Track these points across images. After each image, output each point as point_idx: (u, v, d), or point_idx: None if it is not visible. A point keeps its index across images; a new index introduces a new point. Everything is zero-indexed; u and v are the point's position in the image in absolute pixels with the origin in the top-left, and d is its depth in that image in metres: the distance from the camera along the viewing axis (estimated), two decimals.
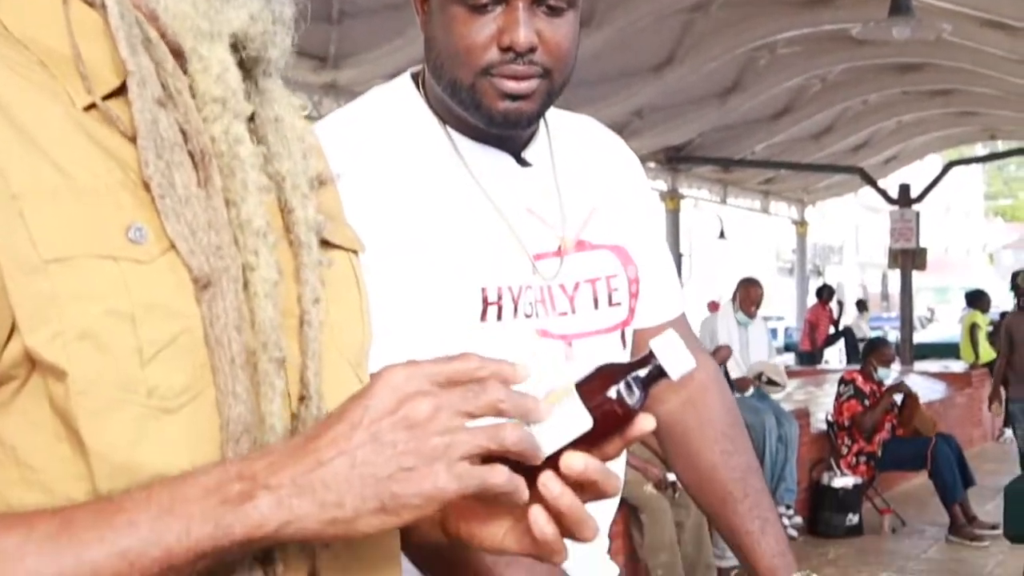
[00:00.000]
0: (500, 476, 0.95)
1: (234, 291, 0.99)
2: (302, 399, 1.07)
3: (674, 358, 1.04)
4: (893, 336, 18.39)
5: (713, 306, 12.49)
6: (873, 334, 16.97)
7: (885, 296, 35.64)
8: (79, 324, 0.92)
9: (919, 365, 14.18)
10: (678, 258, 15.54)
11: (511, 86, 1.59)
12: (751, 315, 9.45)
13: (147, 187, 0.97)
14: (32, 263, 0.91)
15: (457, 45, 1.59)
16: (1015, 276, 10.32)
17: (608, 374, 1.03)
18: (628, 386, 1.02)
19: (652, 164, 14.88)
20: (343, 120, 1.72)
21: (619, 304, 1.79)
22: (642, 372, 1.04)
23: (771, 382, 8.71)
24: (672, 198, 15.48)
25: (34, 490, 0.94)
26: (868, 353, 9.57)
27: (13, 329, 0.92)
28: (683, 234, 15.85)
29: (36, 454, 0.94)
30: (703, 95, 13.30)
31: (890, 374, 9.57)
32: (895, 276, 17.49)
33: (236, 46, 1.06)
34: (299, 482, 0.91)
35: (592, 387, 1.02)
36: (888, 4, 7.92)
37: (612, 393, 1.02)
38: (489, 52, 1.58)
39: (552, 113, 1.80)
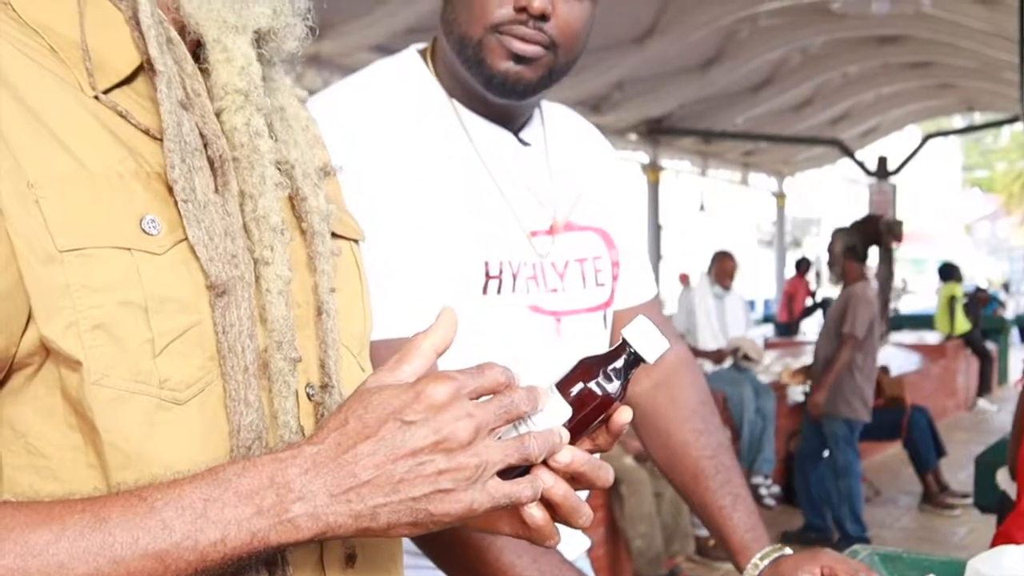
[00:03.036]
0: (528, 491, 0.97)
1: (247, 297, 1.00)
2: (324, 387, 1.09)
3: (647, 342, 1.07)
4: None
5: (684, 278, 12.55)
6: None
7: None
8: (94, 315, 0.93)
9: (895, 336, 14.27)
10: (658, 230, 15.55)
11: (518, 46, 1.63)
12: (726, 287, 9.54)
13: (161, 180, 0.98)
14: (48, 252, 0.92)
15: (473, 0, 1.64)
16: None
17: (586, 368, 1.06)
18: (607, 377, 1.05)
19: (633, 136, 14.88)
20: (351, 91, 1.74)
21: (603, 285, 1.85)
22: (618, 362, 1.06)
23: (747, 357, 8.79)
24: (652, 170, 15.48)
25: (44, 477, 0.95)
26: None
27: (29, 317, 0.93)
28: (663, 206, 15.85)
29: (46, 441, 0.95)
30: (684, 67, 13.28)
31: None
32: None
33: (258, 40, 1.07)
34: (335, 494, 0.91)
35: (572, 382, 1.05)
36: None
37: (593, 385, 1.04)
38: (503, 9, 1.62)
39: (543, 101, 1.87)
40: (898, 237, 14.95)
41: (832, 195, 34.73)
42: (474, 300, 1.67)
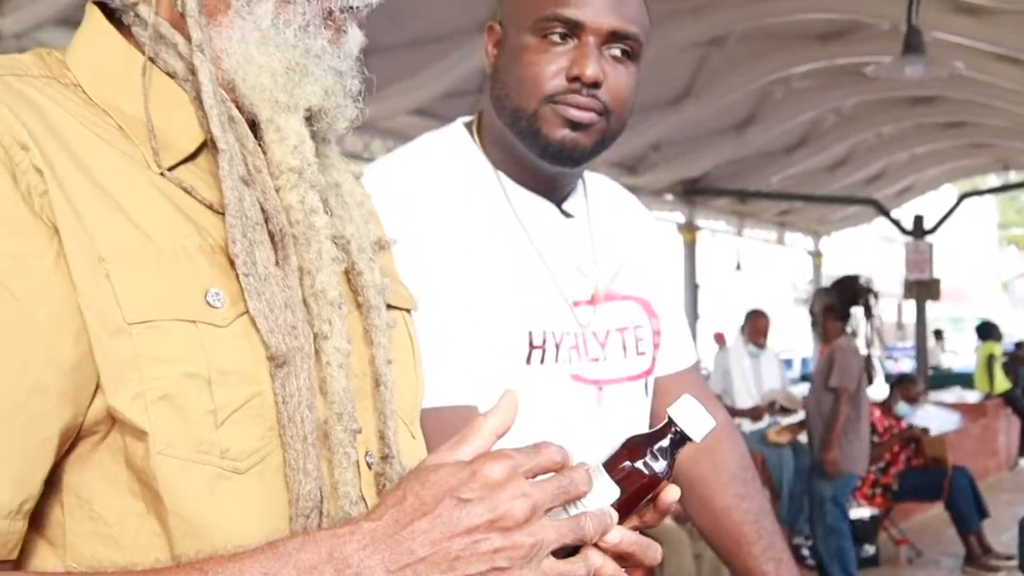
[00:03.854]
0: (582, 570, 0.98)
1: (307, 368, 1.03)
2: (385, 457, 1.12)
3: (693, 421, 1.08)
4: (907, 365, 18.36)
5: (719, 338, 12.54)
6: (888, 364, 16.96)
7: (900, 326, 35.44)
8: (159, 386, 0.96)
9: (934, 395, 14.16)
10: (694, 289, 15.55)
11: (573, 113, 1.69)
12: (760, 346, 9.55)
13: (224, 253, 1.02)
14: (117, 325, 0.96)
15: (527, 73, 1.70)
16: None
17: (632, 447, 1.07)
18: (654, 456, 1.07)
19: (669, 196, 14.93)
20: (402, 164, 1.80)
21: (644, 353, 1.89)
22: (664, 441, 1.08)
23: (784, 409, 8.75)
24: (689, 230, 15.51)
25: (106, 545, 0.98)
26: (894, 387, 9.61)
27: (97, 387, 0.96)
28: (699, 266, 15.84)
29: (110, 509, 0.98)
30: (719, 128, 13.35)
31: (912, 410, 9.59)
32: (910, 306, 17.46)
33: (310, 118, 1.11)
34: (392, 570, 0.91)
35: (619, 462, 1.06)
36: (901, 40, 8.00)
37: (640, 465, 1.05)
38: (556, 80, 1.69)
39: (586, 172, 1.92)
40: (936, 296, 14.89)
41: (869, 254, 34.56)
42: (518, 369, 1.71)
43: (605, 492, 1.03)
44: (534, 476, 0.97)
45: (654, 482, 1.06)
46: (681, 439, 1.09)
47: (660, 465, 1.06)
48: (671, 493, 1.10)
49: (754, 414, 8.94)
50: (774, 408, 8.81)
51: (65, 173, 0.98)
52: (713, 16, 10.42)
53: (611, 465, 1.06)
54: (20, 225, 0.95)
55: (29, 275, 0.94)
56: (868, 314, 7.85)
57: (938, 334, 22.45)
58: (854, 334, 7.70)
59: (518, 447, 0.98)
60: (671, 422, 1.09)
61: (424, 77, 9.30)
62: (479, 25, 8.79)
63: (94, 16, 1.12)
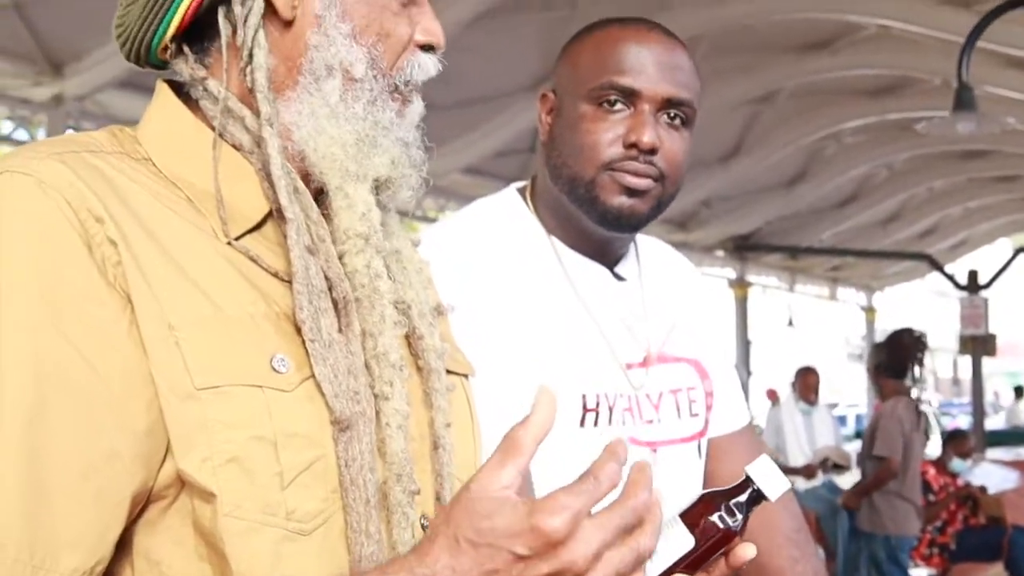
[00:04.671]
0: None
1: (369, 432, 1.06)
2: None
3: (770, 481, 1.11)
4: (964, 422, 18.11)
5: (771, 394, 12.46)
6: (944, 420, 16.76)
7: (956, 381, 35.03)
8: (227, 449, 0.99)
9: (991, 453, 13.93)
10: (746, 346, 15.48)
11: (631, 180, 1.71)
12: (811, 403, 9.48)
13: (290, 320, 1.06)
14: (186, 390, 0.99)
15: (583, 141, 1.73)
16: None
17: (709, 501, 1.10)
18: (730, 511, 1.09)
19: (720, 252, 14.92)
20: (458, 231, 1.83)
21: (697, 415, 1.90)
22: (742, 497, 1.11)
23: (836, 466, 8.66)
24: (740, 286, 15.47)
25: None
26: (947, 444, 9.49)
27: (167, 451, 0.99)
28: (751, 322, 15.78)
29: (178, 571, 1.01)
30: (770, 184, 13.36)
31: (966, 466, 9.45)
32: (966, 361, 17.27)
33: (376, 188, 1.15)
34: None
35: (695, 513, 1.09)
36: (952, 94, 7.99)
37: (715, 518, 1.08)
38: (613, 147, 1.71)
39: (638, 235, 1.95)
40: (992, 352, 14.71)
41: (923, 308, 34.24)
42: (572, 433, 1.72)
43: (680, 542, 1.06)
44: (616, 528, 0.94)
45: (728, 536, 1.08)
46: (757, 497, 1.11)
47: (735, 520, 1.09)
48: (747, 551, 1.11)
49: (807, 472, 8.85)
50: (827, 465, 8.72)
51: (138, 244, 1.02)
52: (762, 73, 10.49)
53: (687, 516, 1.08)
54: (95, 296, 0.99)
55: (104, 345, 0.98)
56: (918, 367, 7.75)
57: (1019, 391, 21.99)
58: (911, 389, 7.60)
59: (578, 485, 0.95)
60: (749, 480, 1.11)
61: (475, 136, 9.43)
62: (528, 85, 8.95)
63: (163, 93, 1.17)
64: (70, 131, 8.16)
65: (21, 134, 8.54)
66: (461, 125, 9.09)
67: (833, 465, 8.65)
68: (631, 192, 1.72)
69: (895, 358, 7.54)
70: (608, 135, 1.72)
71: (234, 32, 1.12)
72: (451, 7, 7.67)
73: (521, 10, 8.51)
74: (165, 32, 1.13)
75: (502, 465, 0.95)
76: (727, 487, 1.12)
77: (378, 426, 1.08)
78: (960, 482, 8.87)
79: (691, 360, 1.92)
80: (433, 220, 11.88)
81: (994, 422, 21.47)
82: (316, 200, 1.14)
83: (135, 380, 0.98)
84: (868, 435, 7.48)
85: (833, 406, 12.73)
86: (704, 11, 9.08)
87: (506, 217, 1.85)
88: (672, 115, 1.74)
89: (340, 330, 1.08)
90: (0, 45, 7.28)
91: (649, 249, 1.99)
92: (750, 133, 11.87)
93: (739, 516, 1.10)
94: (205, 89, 1.13)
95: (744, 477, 1.12)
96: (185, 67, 1.14)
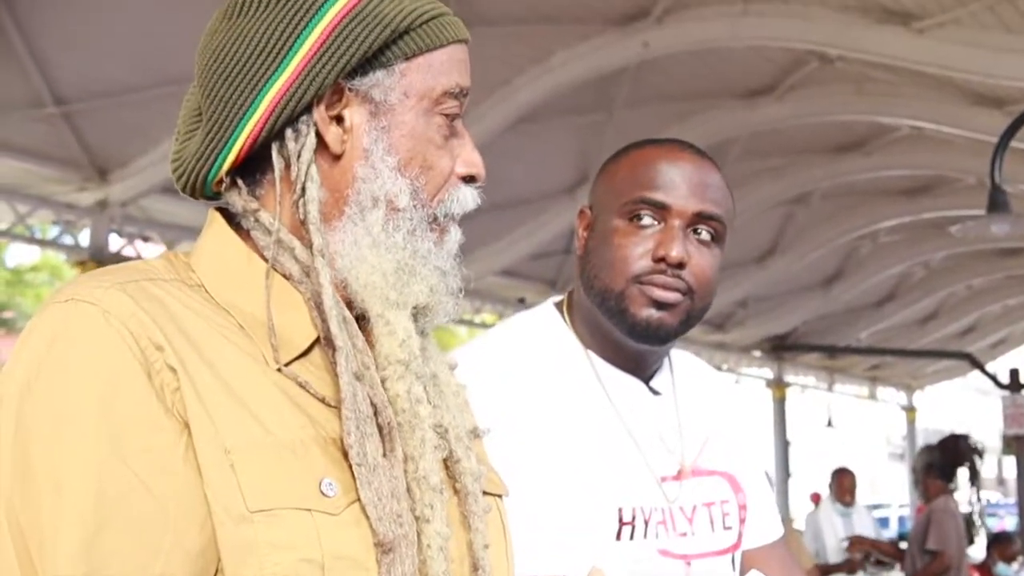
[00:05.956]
0: None
1: (411, 555, 1.08)
2: None
3: None
4: (1011, 523, 17.79)
5: (815, 497, 12.33)
6: (989, 521, 16.47)
7: (1001, 481, 34.45)
8: (277, 571, 1.02)
9: None
10: (785, 447, 15.33)
11: (659, 293, 1.75)
12: (848, 504, 9.40)
13: (336, 444, 1.09)
14: (240, 512, 1.02)
15: (614, 255, 1.77)
16: None
17: None
18: None
19: (757, 353, 14.88)
20: (494, 349, 1.86)
21: (731, 528, 1.91)
22: None
23: (880, 561, 8.54)
24: (778, 386, 15.39)
25: None
26: (991, 547, 9.34)
27: (217, 570, 1.02)
28: (790, 422, 15.66)
29: None
30: (806, 284, 13.36)
31: (1012, 571, 9.28)
32: (1010, 460, 17.02)
33: (415, 315, 1.19)
34: None
35: None
36: (987, 192, 8.01)
37: None
38: (643, 261, 1.75)
39: (672, 350, 1.98)
40: None
41: (964, 407, 33.86)
42: (607, 546, 1.74)
43: None
44: None
45: None
46: None
47: None
48: None
49: (849, 567, 8.71)
50: (869, 559, 8.59)
51: (195, 371, 1.06)
52: (796, 175, 10.56)
53: None
54: (154, 421, 1.03)
55: (162, 469, 1.02)
56: (974, 476, 7.68)
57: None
58: (955, 491, 7.53)
59: None
60: None
61: (511, 239, 9.52)
62: (564, 189, 9.03)
63: (216, 222, 1.22)
64: (113, 235, 8.33)
65: (66, 238, 8.71)
66: (497, 228, 9.20)
67: (876, 561, 8.52)
68: (659, 305, 1.76)
69: (947, 462, 7.49)
70: (638, 249, 1.76)
71: (287, 166, 1.17)
72: (489, 113, 7.81)
73: (557, 115, 8.64)
74: (221, 167, 1.18)
75: None
76: None
77: (419, 548, 1.10)
78: None
79: (725, 474, 1.94)
80: (468, 322, 11.95)
81: None
82: (361, 326, 1.17)
83: (190, 502, 1.02)
84: (919, 530, 7.39)
85: (874, 507, 12.54)
86: (736, 115, 9.18)
87: (543, 332, 1.89)
88: (702, 231, 1.79)
89: (384, 455, 1.11)
90: (48, 152, 7.49)
91: (683, 363, 2.02)
92: (785, 234, 11.92)
93: None
94: (257, 220, 1.17)
95: None
96: (238, 199, 1.18)
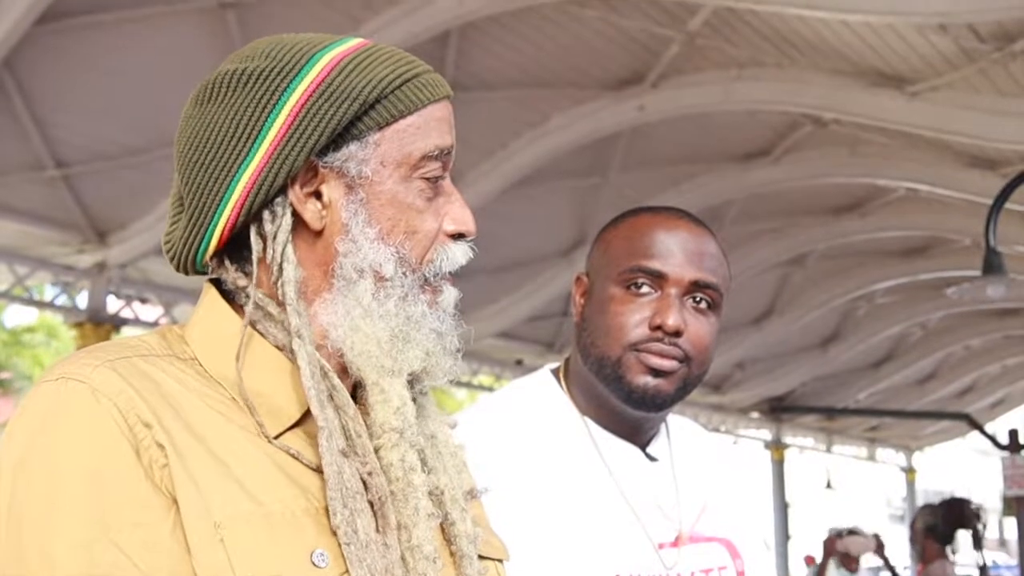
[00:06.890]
0: None
1: None
2: None
3: None
4: None
5: (809, 560, 12.26)
6: None
7: (1002, 542, 34.24)
8: None
9: None
10: (784, 509, 15.25)
11: (655, 361, 1.75)
12: (853, 571, 9.36)
13: (329, 515, 1.08)
14: None
15: (611, 322, 1.78)
16: None
17: None
18: None
19: (755, 414, 14.84)
20: (492, 414, 1.87)
21: None
22: None
23: None
24: (776, 448, 15.33)
25: None
26: None
27: None
28: (788, 484, 15.58)
29: None
30: (803, 345, 13.36)
31: None
32: (1011, 520, 16.93)
33: (411, 381, 1.18)
34: None
35: None
36: (983, 253, 8.03)
37: None
38: (639, 329, 1.76)
39: (669, 416, 1.98)
40: None
41: (964, 467, 33.72)
42: None
43: None
44: None
45: None
46: None
47: None
48: None
49: None
50: None
51: (184, 446, 1.06)
52: (793, 236, 10.59)
53: None
54: (142, 498, 1.03)
55: (149, 545, 1.02)
56: (977, 541, 7.62)
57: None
58: (955, 555, 7.47)
59: None
60: None
61: (508, 301, 9.53)
62: (561, 251, 9.04)
63: (210, 294, 1.23)
64: (111, 296, 8.34)
65: (64, 299, 8.72)
66: (495, 290, 9.23)
67: None
68: (656, 372, 1.76)
69: (948, 525, 7.44)
70: (635, 317, 1.77)
71: (265, 247, 1.17)
72: (486, 176, 7.85)
73: (553, 178, 8.69)
74: (207, 249, 1.18)
75: None
76: None
77: None
78: None
79: (723, 540, 1.93)
80: (466, 384, 11.92)
81: None
82: (354, 393, 1.18)
83: None
84: None
85: (877, 570, 12.45)
86: (732, 178, 9.23)
87: (540, 398, 1.89)
88: (698, 299, 1.79)
89: (378, 529, 1.11)
90: (47, 214, 7.52)
91: (680, 428, 2.02)
92: (782, 295, 11.94)
93: None
94: (247, 295, 1.18)
95: None
96: (228, 275, 1.19)
